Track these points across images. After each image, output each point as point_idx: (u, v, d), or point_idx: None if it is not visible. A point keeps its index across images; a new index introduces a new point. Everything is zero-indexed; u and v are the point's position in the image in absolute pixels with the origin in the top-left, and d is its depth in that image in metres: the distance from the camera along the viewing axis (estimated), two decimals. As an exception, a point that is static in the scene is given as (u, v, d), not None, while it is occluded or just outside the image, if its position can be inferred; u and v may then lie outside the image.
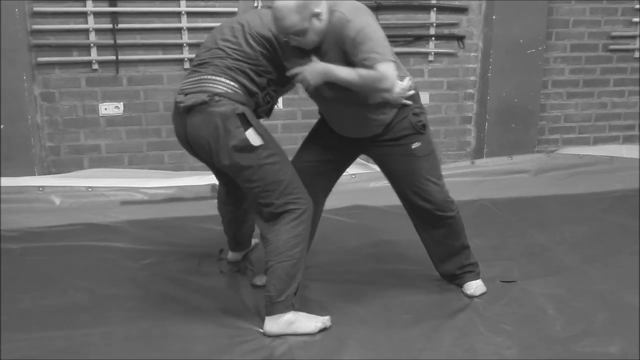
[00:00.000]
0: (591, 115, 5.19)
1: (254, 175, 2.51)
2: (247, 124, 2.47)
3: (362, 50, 2.38)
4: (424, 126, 2.67)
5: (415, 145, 2.68)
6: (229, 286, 2.98)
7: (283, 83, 2.70)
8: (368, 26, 2.40)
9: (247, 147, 2.47)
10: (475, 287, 2.89)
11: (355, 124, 2.66)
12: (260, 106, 2.65)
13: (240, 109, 2.46)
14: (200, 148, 2.57)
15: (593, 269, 3.15)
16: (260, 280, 2.95)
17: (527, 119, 4.88)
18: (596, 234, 3.62)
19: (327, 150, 2.80)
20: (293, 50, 2.51)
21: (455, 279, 2.94)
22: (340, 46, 2.44)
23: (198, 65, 2.60)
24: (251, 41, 2.55)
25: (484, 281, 2.93)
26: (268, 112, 2.76)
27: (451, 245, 2.88)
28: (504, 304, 2.79)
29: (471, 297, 2.86)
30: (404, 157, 2.70)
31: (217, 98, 2.46)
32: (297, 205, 2.55)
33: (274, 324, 2.52)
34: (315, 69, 2.46)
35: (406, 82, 2.60)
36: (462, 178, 4.58)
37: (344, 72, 2.42)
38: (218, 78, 2.51)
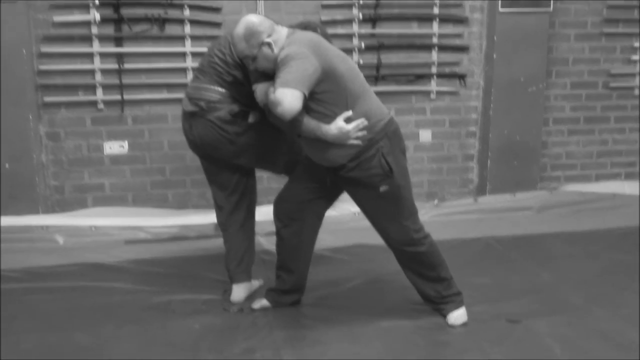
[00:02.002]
0: (592, 152, 5.21)
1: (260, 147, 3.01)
2: (245, 113, 2.91)
3: (277, 75, 2.56)
4: (391, 169, 2.70)
5: (382, 189, 2.74)
6: (234, 326, 2.96)
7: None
8: (292, 55, 2.54)
9: (250, 127, 2.94)
10: (456, 316, 2.95)
11: (317, 150, 2.75)
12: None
13: (235, 108, 2.90)
14: (211, 150, 3.02)
15: (598, 307, 3.13)
16: (258, 303, 3.12)
17: (529, 156, 4.90)
18: (600, 271, 3.61)
19: (310, 178, 2.93)
20: (259, 74, 2.79)
21: (438, 308, 3.00)
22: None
23: (199, 72, 3.03)
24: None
25: (489, 319, 2.93)
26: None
27: (426, 276, 2.95)
28: (510, 345, 2.77)
29: (452, 326, 2.92)
30: (372, 198, 2.80)
31: (212, 105, 2.91)
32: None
33: None
34: (262, 88, 2.74)
35: (353, 124, 2.64)
36: (465, 215, 4.60)
37: (270, 94, 2.58)
38: (212, 87, 2.92)
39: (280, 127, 2.84)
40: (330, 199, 3.04)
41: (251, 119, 2.95)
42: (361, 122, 2.64)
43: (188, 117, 3.02)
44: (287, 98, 2.45)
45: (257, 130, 2.98)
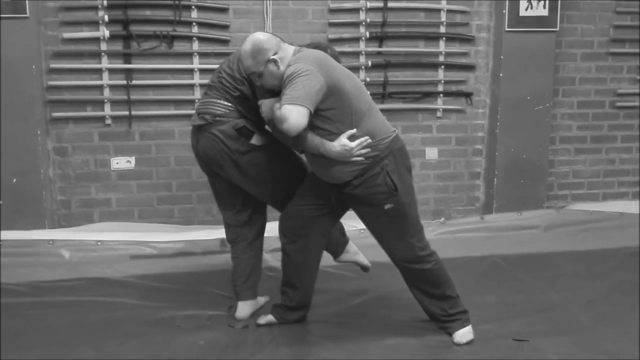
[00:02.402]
0: (600, 171, 5.20)
1: (260, 174, 2.98)
2: (250, 132, 2.89)
3: (283, 92, 2.57)
4: (396, 187, 2.71)
5: (387, 207, 2.75)
6: (239, 343, 2.95)
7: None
8: (298, 72, 2.56)
9: (253, 148, 2.92)
10: (461, 334, 2.93)
11: (322, 167, 2.77)
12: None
13: (240, 123, 2.89)
14: (215, 166, 3.01)
15: (606, 327, 3.10)
16: (264, 319, 3.12)
17: (535, 174, 4.89)
18: (608, 291, 3.58)
19: (316, 195, 2.92)
20: (265, 90, 2.78)
21: (444, 326, 2.99)
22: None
23: (208, 87, 3.05)
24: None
25: (495, 338, 2.90)
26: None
27: (432, 294, 2.94)
28: (517, 364, 2.75)
29: (458, 344, 2.90)
30: (377, 216, 2.80)
31: (217, 119, 2.91)
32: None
33: None
34: (267, 104, 2.75)
35: (357, 141, 2.65)
36: (471, 234, 4.57)
37: (276, 110, 2.60)
38: (219, 101, 2.93)
39: (285, 143, 2.85)
40: (336, 216, 3.04)
41: (255, 140, 2.94)
42: (365, 140, 2.65)
43: (195, 131, 3.04)
44: (293, 115, 2.47)
45: (262, 155, 2.96)
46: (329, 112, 2.63)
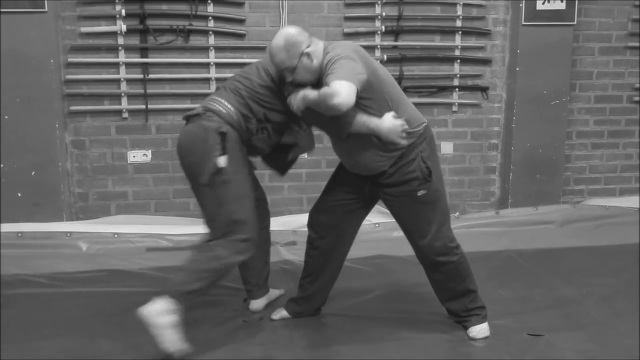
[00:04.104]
0: (617, 166, 5.16)
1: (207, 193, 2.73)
2: (224, 148, 2.65)
3: (326, 74, 2.51)
4: (430, 173, 2.70)
5: (420, 193, 2.73)
6: (253, 335, 2.97)
7: (285, 119, 2.86)
8: (341, 55, 2.52)
9: (215, 168, 2.65)
10: (478, 330, 2.92)
11: (358, 160, 2.74)
12: (252, 134, 2.81)
13: (225, 128, 2.67)
14: (182, 158, 2.80)
15: (622, 323, 3.08)
16: (277, 314, 3.12)
17: (551, 169, 4.87)
18: (624, 287, 3.56)
19: (347, 190, 2.91)
20: (294, 87, 2.69)
21: (461, 320, 2.98)
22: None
23: (217, 88, 3.00)
24: (262, 73, 2.81)
25: (510, 333, 2.90)
26: (264, 147, 2.91)
27: (453, 289, 2.93)
28: (531, 359, 2.74)
29: (473, 339, 2.90)
30: (410, 204, 2.78)
31: (209, 114, 2.72)
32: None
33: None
34: (297, 95, 2.64)
35: (401, 120, 2.64)
36: (487, 228, 4.57)
37: (310, 93, 2.55)
38: (219, 99, 2.77)
39: (326, 128, 2.79)
40: (366, 210, 3.02)
41: (221, 161, 2.65)
42: (404, 123, 2.65)
43: (184, 125, 2.85)
44: (344, 88, 2.40)
45: (229, 171, 2.68)
46: (368, 102, 2.61)
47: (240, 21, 4.40)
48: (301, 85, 2.67)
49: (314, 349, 2.86)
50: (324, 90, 2.44)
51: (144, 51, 4.33)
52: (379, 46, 4.56)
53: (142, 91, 4.36)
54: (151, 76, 4.35)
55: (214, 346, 2.86)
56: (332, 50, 2.59)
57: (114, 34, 4.27)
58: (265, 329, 3.04)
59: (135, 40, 4.31)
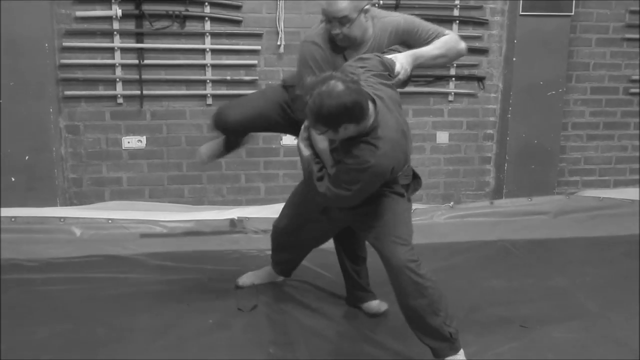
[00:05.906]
0: (612, 158, 5.17)
1: None
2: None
3: (421, 32, 2.70)
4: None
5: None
6: (247, 322, 2.97)
7: None
8: (406, 15, 2.75)
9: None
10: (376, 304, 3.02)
11: None
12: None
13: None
14: None
15: (615, 314, 3.10)
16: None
17: (546, 160, 4.87)
18: (617, 278, 3.57)
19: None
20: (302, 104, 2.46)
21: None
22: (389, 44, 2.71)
23: None
24: None
25: (502, 323, 2.91)
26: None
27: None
28: (524, 349, 2.75)
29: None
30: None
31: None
32: None
33: None
34: (406, 55, 2.64)
35: None
36: (481, 218, 4.58)
37: (428, 49, 2.67)
38: None
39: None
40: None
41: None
42: None
43: None
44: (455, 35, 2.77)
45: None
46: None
47: (237, 7, 4.37)
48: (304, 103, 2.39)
49: (309, 335, 2.85)
50: (446, 40, 2.71)
51: (139, 36, 4.30)
52: (375, 34, 4.53)
53: (137, 77, 4.33)
54: (146, 62, 4.32)
55: (205, 331, 2.86)
56: (387, 16, 2.73)
57: (109, 19, 4.23)
58: (259, 315, 3.03)
59: (130, 25, 4.28)
